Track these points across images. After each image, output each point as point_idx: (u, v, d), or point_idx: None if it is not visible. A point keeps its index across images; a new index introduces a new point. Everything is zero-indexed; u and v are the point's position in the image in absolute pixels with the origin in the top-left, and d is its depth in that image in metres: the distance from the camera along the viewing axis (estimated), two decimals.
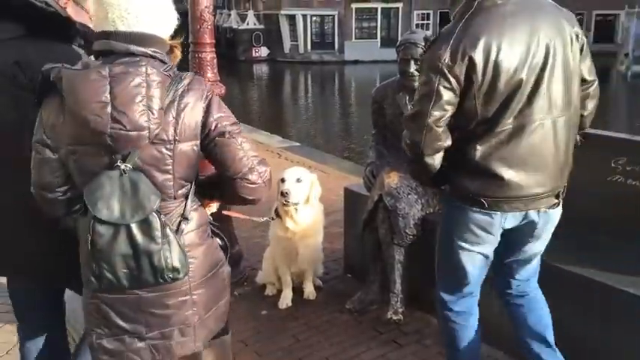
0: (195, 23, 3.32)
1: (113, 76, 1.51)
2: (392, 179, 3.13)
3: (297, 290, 3.53)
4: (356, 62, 34.65)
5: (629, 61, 26.13)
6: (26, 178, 1.67)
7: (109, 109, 1.50)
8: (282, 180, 3.22)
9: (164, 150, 1.59)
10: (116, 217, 1.55)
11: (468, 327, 2.31)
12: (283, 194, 3.18)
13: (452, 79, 1.92)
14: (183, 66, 1.86)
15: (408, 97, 3.29)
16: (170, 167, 1.62)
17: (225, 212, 3.00)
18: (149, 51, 1.59)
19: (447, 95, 1.93)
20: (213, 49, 3.40)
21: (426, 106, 1.95)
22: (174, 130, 1.59)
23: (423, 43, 3.17)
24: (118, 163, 1.55)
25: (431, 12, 38.04)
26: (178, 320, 1.74)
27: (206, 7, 3.30)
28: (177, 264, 1.61)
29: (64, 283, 2.08)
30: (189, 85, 1.61)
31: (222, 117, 1.66)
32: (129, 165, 1.56)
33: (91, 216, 1.55)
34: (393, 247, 3.14)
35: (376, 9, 37.36)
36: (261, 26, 37.18)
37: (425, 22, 37.71)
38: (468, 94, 1.94)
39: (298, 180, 3.23)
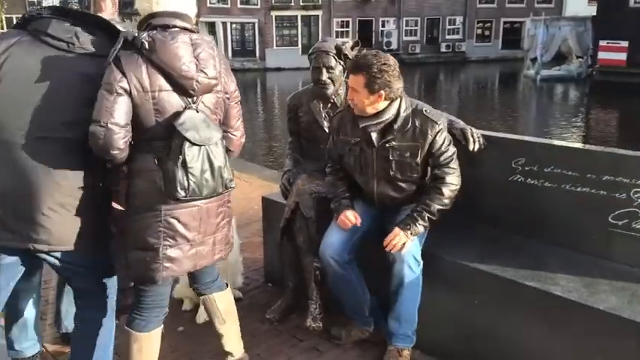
0: None
1: (193, 43, 2.16)
2: (308, 186, 3.14)
3: None
4: (278, 69, 34.73)
5: (538, 65, 27.66)
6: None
7: (194, 63, 2.14)
8: None
9: (217, 97, 2.26)
10: (200, 140, 2.11)
11: None
12: None
13: None
14: None
15: (322, 105, 3.32)
16: (218, 110, 2.28)
17: None
18: (193, 27, 2.23)
19: None
20: None
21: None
22: (221, 83, 2.26)
23: (335, 51, 3.20)
24: (192, 105, 2.16)
25: (350, 19, 38.83)
26: (217, 228, 2.35)
27: (111, 13, 3.17)
28: (232, 176, 2.25)
29: None
30: (223, 56, 2.31)
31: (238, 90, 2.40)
32: (199, 106, 2.18)
33: (181, 142, 2.07)
34: (310, 254, 3.15)
35: (296, 16, 37.62)
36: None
37: (344, 29, 38.40)
38: None
39: None
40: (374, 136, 2.71)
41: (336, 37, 34.11)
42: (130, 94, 2.06)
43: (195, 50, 2.15)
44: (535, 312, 2.45)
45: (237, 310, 3.40)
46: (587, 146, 2.75)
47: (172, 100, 2.13)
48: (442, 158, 2.70)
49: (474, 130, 2.99)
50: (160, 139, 2.13)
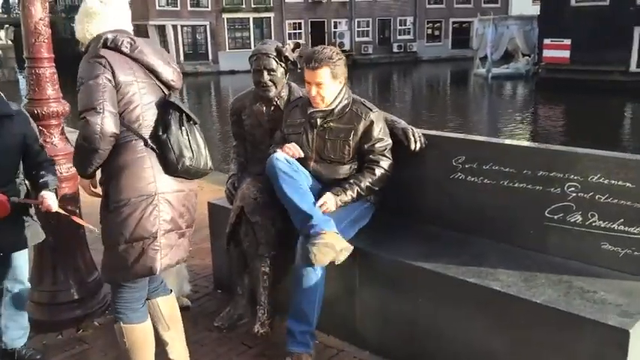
0: (30, 37, 3.07)
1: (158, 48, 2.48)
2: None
3: None
4: (232, 72, 34.41)
5: (489, 64, 28.36)
6: None
7: (168, 62, 2.42)
8: None
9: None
10: (193, 117, 2.34)
11: None
12: None
13: None
14: None
15: (265, 108, 3.29)
16: None
17: (76, 219, 2.78)
18: None
19: None
20: (53, 64, 3.16)
21: None
22: None
23: (275, 54, 3.18)
24: (170, 95, 2.37)
25: (302, 21, 38.89)
26: (193, 221, 2.47)
27: (41, 19, 3.06)
28: (210, 157, 2.41)
29: None
30: None
31: None
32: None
33: (179, 114, 2.30)
34: (257, 259, 3.11)
35: (248, 19, 37.44)
36: None
37: (297, 31, 38.45)
38: None
39: None
40: (318, 120, 2.95)
41: (289, 38, 34.11)
42: (116, 86, 2.22)
43: (162, 54, 2.44)
44: (476, 308, 2.48)
45: (185, 319, 3.36)
46: (523, 143, 2.84)
47: (157, 92, 2.34)
48: (378, 146, 2.91)
49: (415, 129, 3.02)
50: (148, 125, 2.28)
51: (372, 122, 2.90)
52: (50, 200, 2.58)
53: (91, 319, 3.35)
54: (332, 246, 2.62)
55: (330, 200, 2.82)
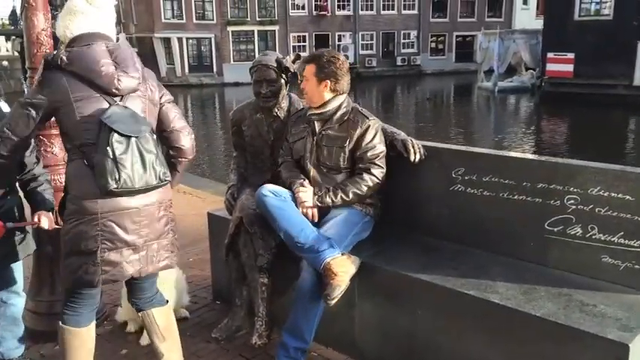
0: (32, 47, 3.10)
1: (109, 49, 2.31)
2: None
3: None
4: (236, 84, 34.57)
5: (495, 77, 28.33)
6: None
7: (113, 65, 2.26)
8: None
9: (142, 101, 2.34)
10: (129, 131, 2.16)
11: None
12: None
13: None
14: None
15: (265, 118, 3.30)
16: (146, 115, 2.33)
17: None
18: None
19: None
20: None
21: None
22: (145, 87, 2.37)
23: (275, 65, 3.20)
24: (119, 103, 2.25)
25: (307, 34, 39.11)
26: (161, 233, 2.37)
27: (43, 29, 3.09)
28: (165, 169, 2.29)
29: None
30: (147, 70, 2.47)
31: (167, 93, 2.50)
32: (126, 104, 2.26)
33: (108, 133, 2.13)
34: (255, 270, 3.10)
35: (253, 31, 37.70)
36: (135, 49, 35.93)
37: (301, 44, 38.65)
38: None
39: None
40: (316, 125, 2.99)
41: (293, 51, 34.27)
42: (51, 107, 2.23)
43: (113, 54, 2.28)
44: (475, 320, 2.46)
45: (184, 330, 3.34)
46: (522, 155, 2.82)
47: (98, 106, 2.22)
48: (370, 154, 2.89)
49: (414, 141, 3.01)
50: (90, 144, 2.20)
51: (366, 129, 2.89)
52: (46, 221, 2.61)
53: None
54: (345, 272, 2.68)
55: (308, 196, 2.86)
